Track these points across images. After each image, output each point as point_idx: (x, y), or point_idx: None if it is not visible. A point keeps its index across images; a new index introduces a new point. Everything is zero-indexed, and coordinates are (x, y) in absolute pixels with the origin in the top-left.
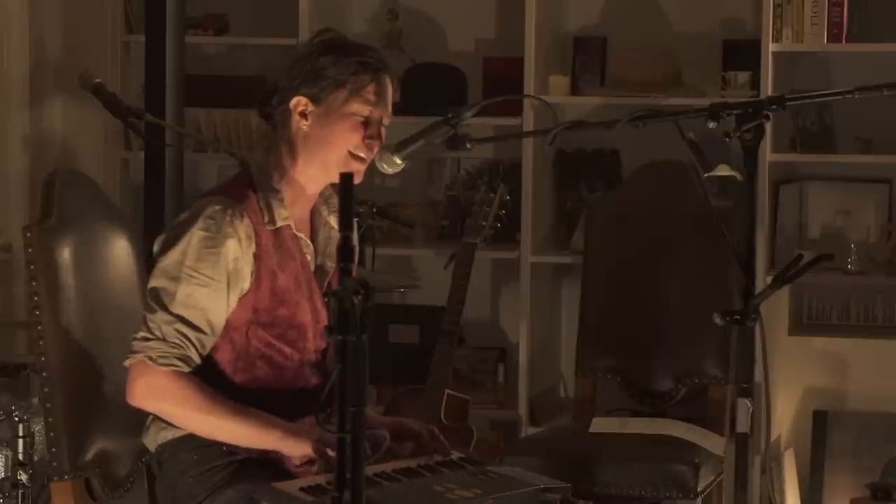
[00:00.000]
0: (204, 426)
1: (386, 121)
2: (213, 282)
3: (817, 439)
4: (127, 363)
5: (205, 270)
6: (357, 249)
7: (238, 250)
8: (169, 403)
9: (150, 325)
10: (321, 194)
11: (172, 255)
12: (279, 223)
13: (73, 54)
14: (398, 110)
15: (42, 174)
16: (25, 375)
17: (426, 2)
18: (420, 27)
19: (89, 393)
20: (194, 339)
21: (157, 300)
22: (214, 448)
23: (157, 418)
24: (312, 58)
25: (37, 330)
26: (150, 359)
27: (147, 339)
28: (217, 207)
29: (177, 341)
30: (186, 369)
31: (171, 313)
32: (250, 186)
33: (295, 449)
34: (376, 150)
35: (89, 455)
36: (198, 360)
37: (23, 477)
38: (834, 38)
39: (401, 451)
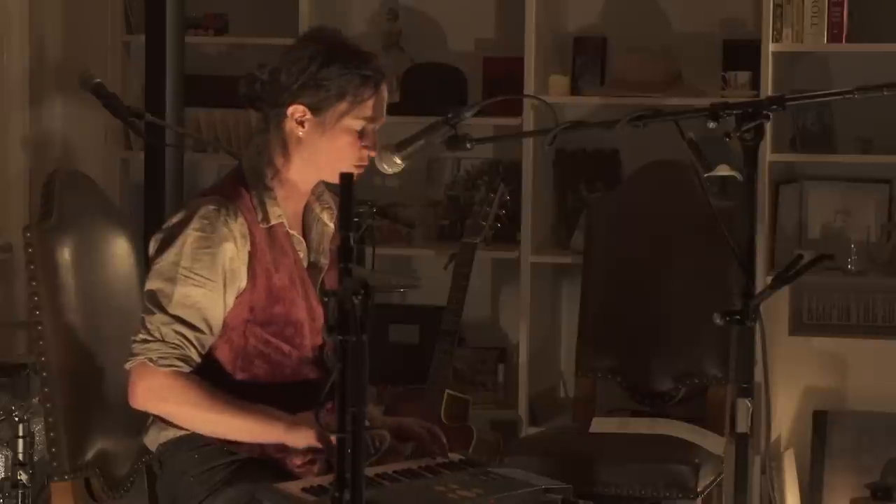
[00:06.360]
0: (207, 424)
1: (379, 124)
2: (209, 282)
3: (817, 439)
4: (127, 366)
5: (200, 271)
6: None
7: (233, 250)
8: (171, 404)
9: (149, 326)
10: (313, 191)
11: (168, 257)
12: (273, 221)
13: (73, 54)
14: (398, 110)
15: (42, 174)
16: (25, 375)
17: (426, 2)
18: (420, 27)
19: (89, 393)
20: (193, 339)
21: (154, 302)
22: (215, 447)
23: (157, 418)
24: (313, 64)
25: (37, 330)
26: (151, 360)
27: (146, 342)
28: (211, 207)
29: (176, 342)
30: (187, 369)
31: (168, 314)
32: (243, 184)
33: (299, 440)
34: (371, 156)
35: (89, 455)
36: (198, 359)
37: (23, 477)
38: (834, 38)
39: (403, 451)
